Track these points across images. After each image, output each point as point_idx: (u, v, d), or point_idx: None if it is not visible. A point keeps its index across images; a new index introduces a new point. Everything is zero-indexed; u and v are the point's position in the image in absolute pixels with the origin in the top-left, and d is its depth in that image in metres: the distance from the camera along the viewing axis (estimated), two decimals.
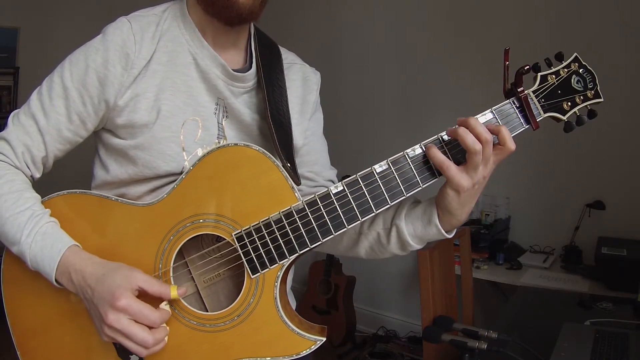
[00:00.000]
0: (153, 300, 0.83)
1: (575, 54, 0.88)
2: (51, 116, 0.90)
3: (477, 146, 0.78)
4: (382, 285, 3.37)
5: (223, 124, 0.95)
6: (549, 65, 0.86)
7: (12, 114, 0.92)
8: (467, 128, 0.79)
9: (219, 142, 0.94)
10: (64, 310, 0.90)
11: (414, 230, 0.90)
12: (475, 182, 0.82)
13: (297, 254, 0.84)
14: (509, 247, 2.75)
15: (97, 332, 0.84)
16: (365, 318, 3.35)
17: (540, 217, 2.80)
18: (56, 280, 0.85)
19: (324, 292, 3.18)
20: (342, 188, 0.83)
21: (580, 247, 2.56)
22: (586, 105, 0.87)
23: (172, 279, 0.88)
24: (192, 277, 0.91)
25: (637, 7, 2.47)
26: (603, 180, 2.60)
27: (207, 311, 0.90)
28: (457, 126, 0.81)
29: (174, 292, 0.83)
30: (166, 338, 0.84)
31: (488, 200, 2.76)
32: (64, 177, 1.86)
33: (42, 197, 0.92)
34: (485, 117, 0.83)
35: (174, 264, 0.88)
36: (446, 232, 0.89)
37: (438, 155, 0.81)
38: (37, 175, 0.94)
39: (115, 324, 0.79)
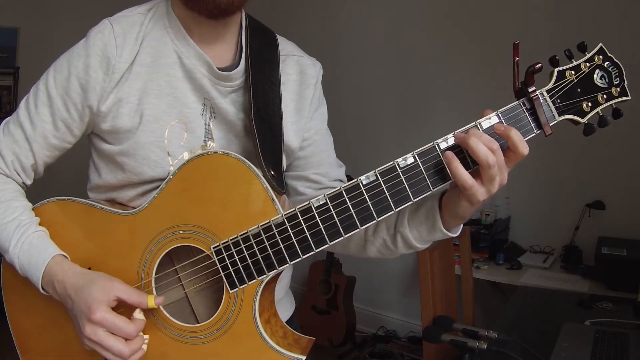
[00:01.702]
0: (132, 309, 0.83)
1: (600, 45, 0.77)
2: (37, 124, 0.89)
3: (491, 159, 0.72)
4: (382, 285, 3.37)
5: (211, 125, 0.91)
6: (570, 58, 0.76)
7: (3, 122, 0.93)
8: (467, 145, 0.72)
9: (206, 145, 0.92)
10: (56, 314, 0.90)
11: (420, 235, 0.88)
12: (493, 192, 0.76)
13: (275, 271, 0.81)
14: (509, 247, 2.75)
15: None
16: (365, 318, 3.35)
17: (540, 217, 2.80)
18: (43, 289, 0.86)
19: (324, 292, 3.18)
20: (324, 201, 0.77)
21: (580, 247, 2.56)
22: (611, 104, 0.76)
23: (154, 289, 0.87)
24: (181, 283, 0.90)
25: (636, 6, 2.47)
26: (603, 180, 2.60)
27: (197, 317, 0.90)
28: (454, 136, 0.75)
29: (151, 301, 0.82)
30: (144, 346, 0.84)
31: (488, 200, 2.75)
32: (63, 178, 1.87)
33: (38, 200, 0.93)
34: (490, 121, 0.74)
35: (165, 270, 0.87)
36: (450, 230, 0.85)
37: (465, 177, 0.73)
38: (29, 182, 0.94)
39: (92, 336, 0.79)
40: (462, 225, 0.86)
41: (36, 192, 0.98)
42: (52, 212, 0.91)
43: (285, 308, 1.06)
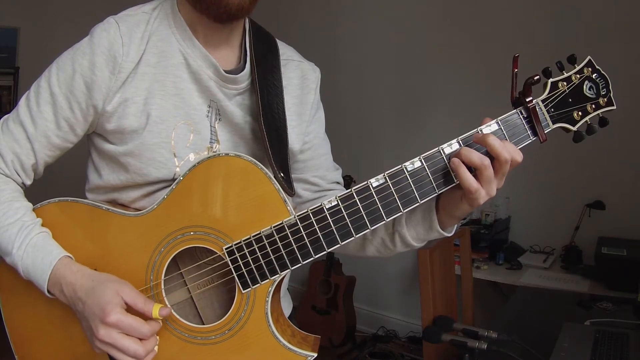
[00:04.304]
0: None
1: (588, 58, 0.82)
2: (39, 123, 0.87)
3: (486, 161, 0.76)
4: (382, 285, 3.37)
5: (216, 127, 0.91)
6: (561, 70, 0.80)
7: (1, 120, 0.91)
8: (484, 145, 0.76)
9: (212, 147, 0.91)
10: (58, 317, 0.89)
11: (417, 235, 0.90)
12: (492, 195, 0.80)
13: (288, 270, 0.82)
14: (509, 247, 2.75)
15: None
16: (365, 318, 3.35)
17: (540, 217, 2.80)
18: (49, 291, 0.84)
19: (324, 292, 3.18)
20: (335, 203, 0.79)
21: (580, 247, 2.56)
22: (598, 113, 0.82)
23: (163, 291, 0.86)
24: (186, 286, 0.89)
25: (635, 6, 2.47)
26: (603, 180, 2.60)
27: (202, 319, 0.89)
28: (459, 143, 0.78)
29: (155, 312, 0.81)
30: (156, 348, 0.83)
31: (488, 200, 2.75)
32: (63, 178, 1.87)
33: (37, 201, 0.92)
34: (490, 128, 0.79)
35: (168, 273, 0.87)
36: (445, 229, 0.87)
37: (471, 181, 0.76)
38: (28, 182, 0.93)
39: (106, 338, 0.78)
40: (456, 226, 0.89)
41: (36, 192, 0.97)
42: (54, 213, 0.90)
43: (284, 307, 1.06)
